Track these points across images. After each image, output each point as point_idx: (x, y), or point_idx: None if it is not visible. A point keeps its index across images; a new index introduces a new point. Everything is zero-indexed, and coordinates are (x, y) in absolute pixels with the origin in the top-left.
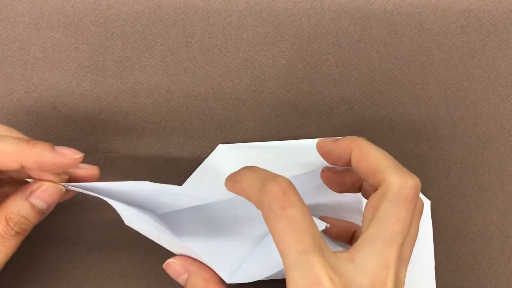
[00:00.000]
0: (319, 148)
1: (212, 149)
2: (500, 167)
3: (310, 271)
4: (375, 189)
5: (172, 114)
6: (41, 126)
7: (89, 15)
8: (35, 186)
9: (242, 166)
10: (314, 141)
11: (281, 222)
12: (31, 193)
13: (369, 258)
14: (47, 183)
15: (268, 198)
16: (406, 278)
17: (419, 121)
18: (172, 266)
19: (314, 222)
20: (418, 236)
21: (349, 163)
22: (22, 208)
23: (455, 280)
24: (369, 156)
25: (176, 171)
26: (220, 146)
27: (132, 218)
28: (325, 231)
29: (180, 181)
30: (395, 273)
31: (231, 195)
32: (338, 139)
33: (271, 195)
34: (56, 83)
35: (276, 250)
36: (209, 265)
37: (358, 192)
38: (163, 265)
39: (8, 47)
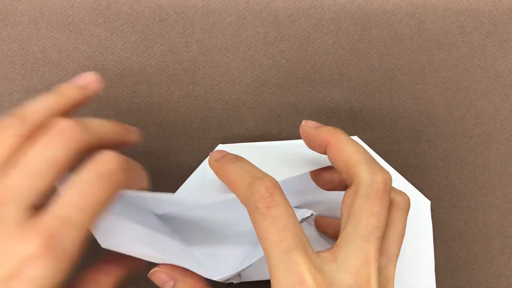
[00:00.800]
0: (301, 130)
1: (212, 149)
2: (500, 167)
3: (294, 270)
4: (349, 184)
5: (172, 114)
6: None
7: (89, 15)
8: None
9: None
10: None
11: (266, 220)
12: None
13: (350, 255)
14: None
15: (254, 197)
16: (406, 278)
17: (419, 121)
18: (157, 275)
19: (299, 222)
20: (418, 236)
21: (325, 153)
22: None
23: (455, 280)
24: (343, 150)
25: (176, 171)
26: (220, 146)
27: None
28: (323, 230)
29: (180, 181)
30: (377, 268)
31: (231, 196)
32: (320, 126)
33: (257, 194)
34: (56, 83)
35: None
36: (193, 270)
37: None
38: (148, 275)
39: (8, 47)
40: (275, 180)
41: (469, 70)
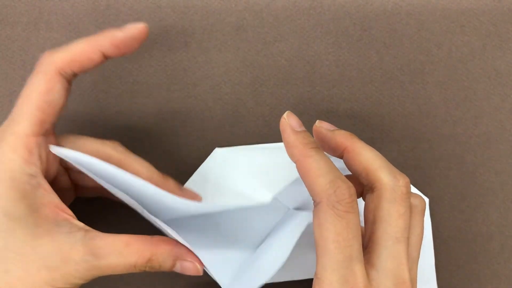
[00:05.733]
0: (316, 131)
1: (211, 149)
2: (500, 167)
3: (351, 279)
4: (369, 189)
5: (172, 114)
6: None
7: (89, 15)
8: (188, 258)
9: (244, 171)
10: None
11: (341, 223)
12: (182, 259)
13: (385, 260)
14: (197, 265)
15: (337, 197)
16: None
17: (419, 121)
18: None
19: None
20: None
21: (340, 156)
22: (165, 263)
23: (455, 280)
24: (362, 156)
25: (176, 171)
26: (217, 149)
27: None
28: None
29: (180, 182)
30: (409, 268)
31: (236, 205)
32: (335, 130)
33: (341, 196)
34: None
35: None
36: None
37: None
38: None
39: (8, 47)
40: (354, 188)
41: (469, 70)
